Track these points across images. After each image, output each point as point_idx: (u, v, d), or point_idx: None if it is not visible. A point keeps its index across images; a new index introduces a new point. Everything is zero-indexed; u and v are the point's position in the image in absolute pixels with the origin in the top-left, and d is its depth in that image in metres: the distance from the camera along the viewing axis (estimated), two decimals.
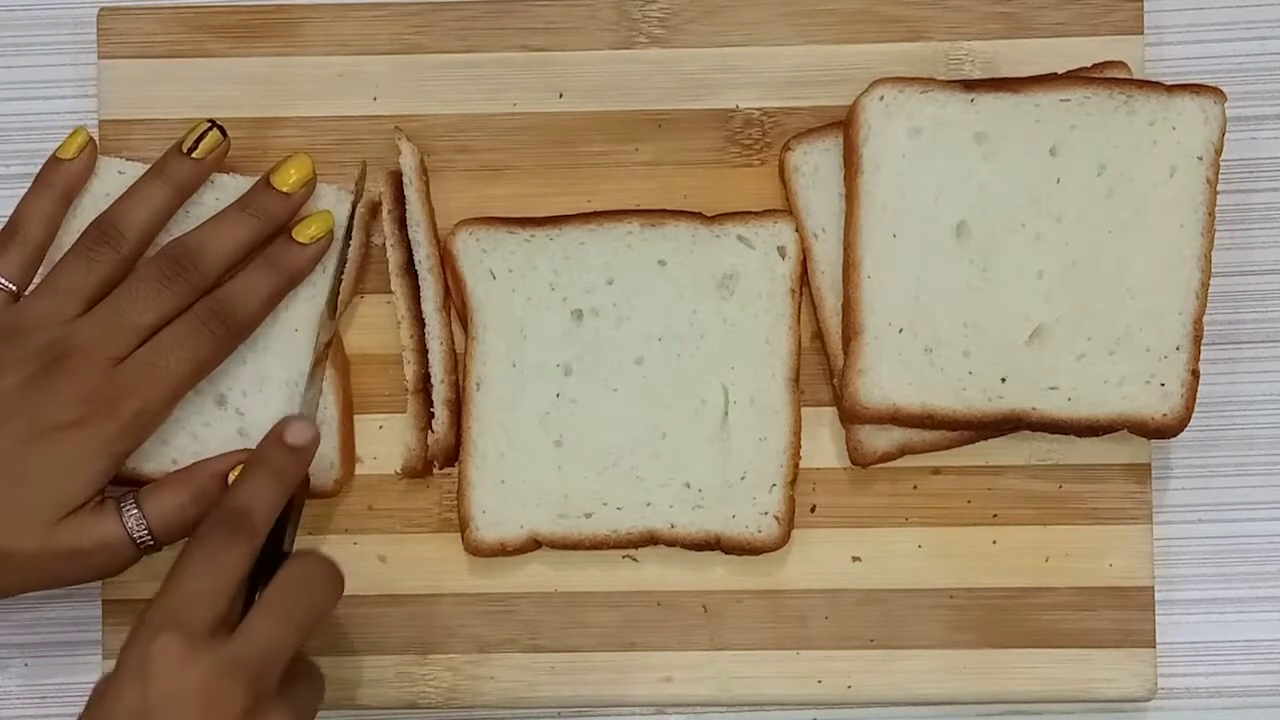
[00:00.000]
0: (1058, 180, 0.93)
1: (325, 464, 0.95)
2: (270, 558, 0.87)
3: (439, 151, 0.98)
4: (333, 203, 0.96)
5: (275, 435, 0.89)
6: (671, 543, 0.95)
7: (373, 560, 0.97)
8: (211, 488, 0.91)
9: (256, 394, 0.95)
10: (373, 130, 0.98)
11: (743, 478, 0.94)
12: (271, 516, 0.87)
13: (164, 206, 0.93)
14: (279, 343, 0.95)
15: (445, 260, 0.96)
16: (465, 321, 0.96)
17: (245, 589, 0.86)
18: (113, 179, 0.95)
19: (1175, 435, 0.93)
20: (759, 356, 0.95)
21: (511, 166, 0.98)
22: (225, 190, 0.95)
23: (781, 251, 0.95)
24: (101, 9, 0.99)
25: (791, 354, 0.95)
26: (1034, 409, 0.93)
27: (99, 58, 0.99)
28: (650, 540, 0.95)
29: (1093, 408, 0.93)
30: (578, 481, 0.95)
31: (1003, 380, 0.93)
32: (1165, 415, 0.93)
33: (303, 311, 0.95)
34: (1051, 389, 0.93)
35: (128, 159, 0.96)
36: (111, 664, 0.95)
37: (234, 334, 0.92)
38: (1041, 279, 0.93)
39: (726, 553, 0.94)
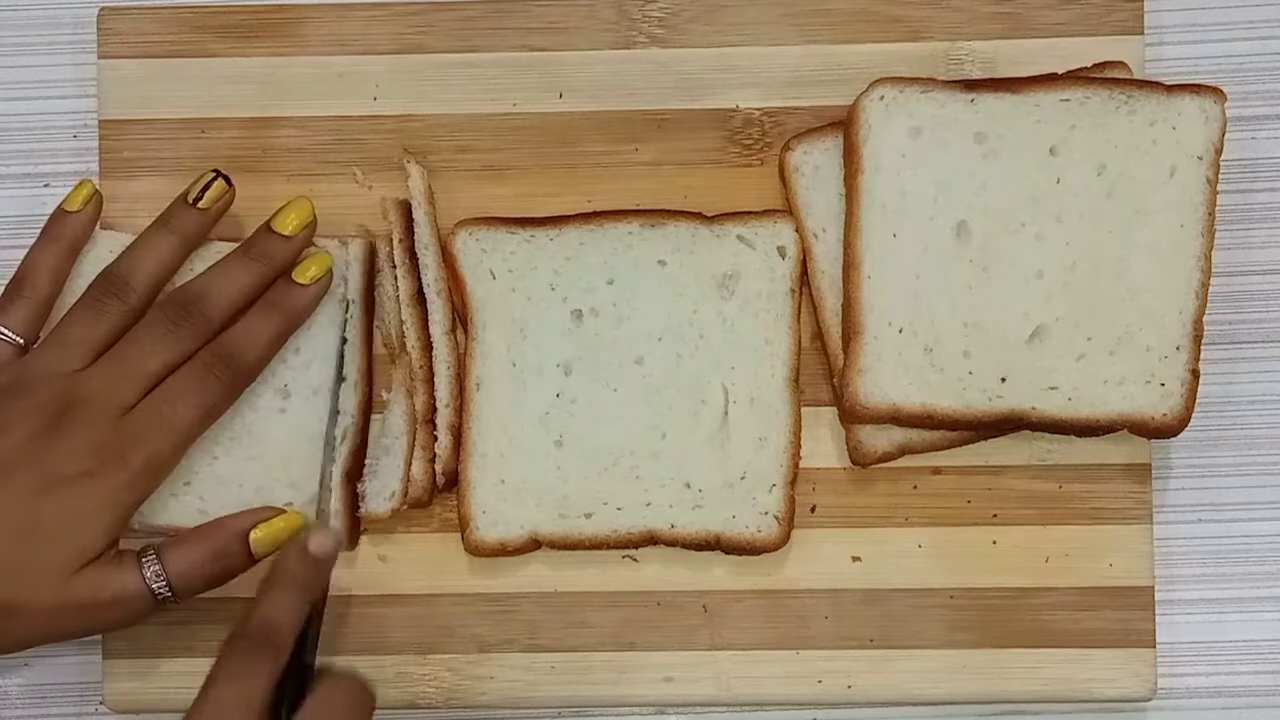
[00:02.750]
0: (1058, 180, 0.93)
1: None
2: (294, 666, 0.87)
3: (439, 151, 0.98)
4: (333, 251, 0.96)
5: (299, 547, 0.88)
6: (671, 543, 0.95)
7: (373, 560, 0.96)
8: (233, 545, 0.90)
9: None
10: (373, 130, 0.98)
11: (743, 478, 0.94)
12: (296, 628, 0.87)
13: (171, 257, 0.93)
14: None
15: (445, 260, 0.96)
16: (465, 322, 0.96)
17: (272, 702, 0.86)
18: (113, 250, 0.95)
19: (1175, 435, 0.93)
20: (759, 356, 0.95)
21: (512, 166, 0.98)
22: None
23: (781, 251, 0.95)
24: (102, 9, 0.98)
25: (791, 354, 0.95)
26: (1034, 409, 0.93)
27: (99, 57, 0.98)
28: (650, 540, 0.95)
29: (1093, 408, 0.93)
30: (578, 481, 0.95)
31: (1003, 380, 0.93)
32: (1165, 415, 0.93)
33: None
34: (1051, 389, 0.93)
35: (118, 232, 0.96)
36: (112, 664, 0.96)
37: (240, 378, 0.91)
38: (1041, 279, 0.93)
39: (726, 553, 0.94)
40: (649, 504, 0.94)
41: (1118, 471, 0.95)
